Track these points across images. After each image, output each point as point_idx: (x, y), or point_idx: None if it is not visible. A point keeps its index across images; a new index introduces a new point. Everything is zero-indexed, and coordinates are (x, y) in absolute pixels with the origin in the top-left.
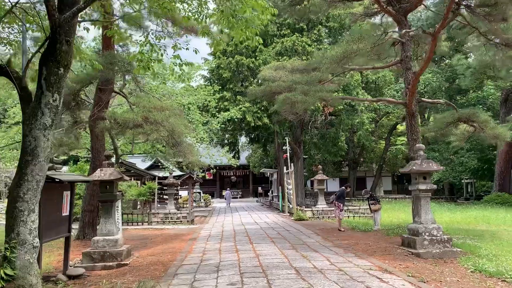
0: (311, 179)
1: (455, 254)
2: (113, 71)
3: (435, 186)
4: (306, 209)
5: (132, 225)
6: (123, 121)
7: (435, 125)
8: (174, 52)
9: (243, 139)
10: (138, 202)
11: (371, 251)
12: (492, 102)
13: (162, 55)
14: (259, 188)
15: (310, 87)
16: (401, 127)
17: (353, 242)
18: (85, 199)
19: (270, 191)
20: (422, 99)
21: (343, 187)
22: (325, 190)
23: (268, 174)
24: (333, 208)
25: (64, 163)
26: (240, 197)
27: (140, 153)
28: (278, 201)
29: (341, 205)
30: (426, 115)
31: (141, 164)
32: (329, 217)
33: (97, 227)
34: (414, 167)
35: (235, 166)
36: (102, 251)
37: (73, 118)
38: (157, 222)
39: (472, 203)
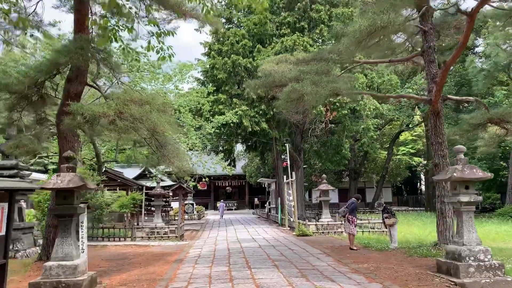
0: (314, 189)
1: (509, 285)
2: (84, 58)
3: (480, 198)
4: (309, 223)
5: (114, 240)
6: (91, 116)
7: (461, 127)
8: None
9: (239, 147)
10: (125, 215)
11: (401, 280)
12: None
13: (132, 20)
14: (256, 200)
15: (322, 77)
16: (404, 136)
17: (374, 266)
18: (50, 211)
19: (267, 203)
20: (448, 96)
21: (353, 199)
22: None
23: (265, 184)
24: (339, 222)
25: (45, 170)
26: (235, 209)
27: (130, 162)
28: (277, 213)
29: (355, 219)
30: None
31: (130, 173)
32: (335, 232)
33: (53, 249)
34: (455, 174)
35: (231, 175)
36: (56, 281)
37: (37, 115)
38: (142, 237)
39: (483, 216)
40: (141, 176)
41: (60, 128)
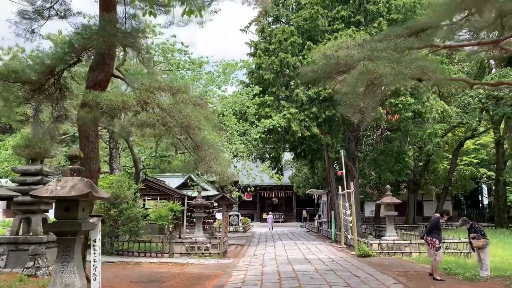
0: (377, 202)
1: None
2: (109, 41)
3: None
4: (372, 241)
5: (150, 256)
6: (108, 106)
7: None
8: None
9: (286, 156)
10: (166, 227)
11: None
12: None
13: None
14: (304, 212)
15: (402, 55)
16: (466, 145)
17: None
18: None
19: (317, 216)
20: None
21: (436, 215)
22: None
23: (315, 196)
24: (406, 241)
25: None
26: (282, 221)
27: (174, 171)
28: (329, 228)
29: (437, 242)
30: None
31: (173, 183)
32: (402, 253)
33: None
34: None
35: (277, 186)
36: None
37: (54, 111)
38: (181, 253)
39: None
40: (184, 185)
41: (79, 125)
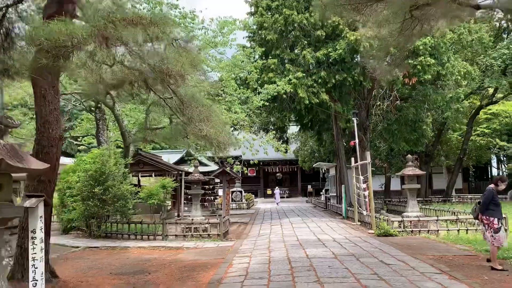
0: (397, 174)
1: None
2: None
3: None
4: (393, 218)
5: (142, 239)
6: (50, 42)
7: None
8: None
9: (291, 129)
10: (164, 206)
11: None
12: None
13: None
14: (309, 187)
15: None
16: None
17: None
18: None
19: (324, 191)
20: None
21: (490, 186)
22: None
23: (323, 169)
24: (434, 218)
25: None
26: (287, 197)
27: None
28: (339, 203)
29: (495, 221)
30: None
31: (171, 159)
32: (428, 231)
33: None
34: None
35: (282, 160)
36: None
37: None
38: (176, 235)
39: None
40: (182, 161)
41: (32, 78)
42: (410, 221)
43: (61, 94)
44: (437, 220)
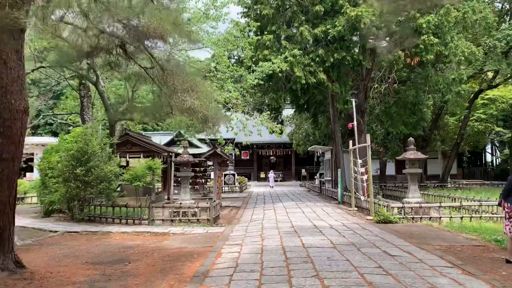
0: (398, 158)
1: None
2: None
3: None
4: (393, 204)
5: (127, 223)
6: None
7: None
8: None
9: (285, 112)
10: (156, 186)
11: None
12: None
13: None
14: (303, 171)
15: None
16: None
17: None
18: None
19: (318, 174)
20: None
21: None
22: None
23: (318, 153)
24: (436, 204)
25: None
26: (280, 180)
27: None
28: (334, 188)
29: None
30: None
31: (163, 141)
32: (430, 218)
33: None
34: None
35: (276, 143)
36: None
37: None
38: (163, 220)
39: None
40: (172, 143)
41: None
42: (411, 208)
43: (40, 67)
44: (439, 206)
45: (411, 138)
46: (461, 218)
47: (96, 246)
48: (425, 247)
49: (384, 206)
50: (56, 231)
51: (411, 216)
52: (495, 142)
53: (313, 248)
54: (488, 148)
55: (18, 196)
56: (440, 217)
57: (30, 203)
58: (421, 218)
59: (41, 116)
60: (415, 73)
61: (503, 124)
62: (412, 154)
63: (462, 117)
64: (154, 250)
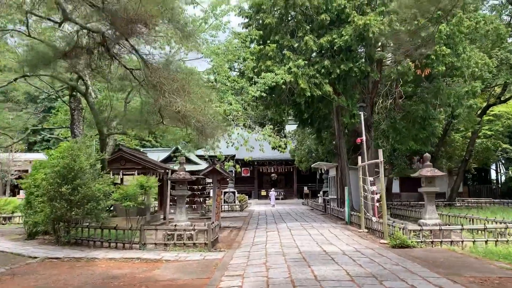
0: (413, 175)
1: None
2: None
3: None
4: (411, 226)
5: (116, 247)
6: None
7: None
8: None
9: (288, 128)
10: (151, 205)
11: None
12: None
13: None
14: (305, 188)
15: None
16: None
17: None
18: None
19: (321, 192)
20: None
21: None
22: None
23: (322, 170)
24: (459, 227)
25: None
26: (282, 198)
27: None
28: (340, 207)
29: None
30: None
31: (161, 158)
32: (451, 242)
33: None
34: None
35: (277, 160)
36: None
37: None
38: (155, 244)
39: None
40: (169, 159)
41: None
42: (430, 230)
43: (23, 76)
44: (461, 229)
45: (427, 154)
46: (486, 242)
47: (77, 276)
48: (457, 279)
49: (400, 229)
50: (35, 257)
51: (430, 239)
52: (501, 159)
53: (328, 281)
54: (493, 165)
55: (5, 215)
56: (463, 241)
57: (18, 223)
58: (441, 242)
59: (28, 131)
60: (422, 87)
61: (508, 140)
62: (429, 171)
63: (469, 133)
64: (142, 283)
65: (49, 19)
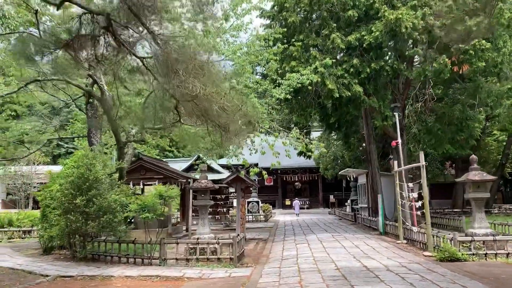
0: (458, 180)
1: None
2: None
3: None
4: (460, 237)
5: (134, 263)
6: None
7: None
8: None
9: (312, 135)
10: (173, 216)
11: None
12: None
13: None
14: (331, 197)
15: None
16: None
17: None
18: None
19: (350, 201)
20: None
21: None
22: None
23: (351, 177)
24: (505, 237)
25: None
26: (307, 207)
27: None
28: (373, 216)
29: None
30: None
31: (182, 167)
32: (508, 254)
33: None
34: None
35: (302, 168)
36: None
37: None
38: (176, 260)
39: None
40: (190, 168)
41: None
42: (483, 241)
43: (35, 80)
44: None
45: (473, 156)
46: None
47: None
48: None
49: (449, 240)
50: (47, 275)
51: (483, 251)
52: None
53: None
54: None
55: (25, 229)
56: None
57: (37, 237)
58: (496, 254)
59: (45, 141)
60: (453, 89)
61: None
62: (477, 175)
63: (503, 136)
64: None
65: (46, 1)
